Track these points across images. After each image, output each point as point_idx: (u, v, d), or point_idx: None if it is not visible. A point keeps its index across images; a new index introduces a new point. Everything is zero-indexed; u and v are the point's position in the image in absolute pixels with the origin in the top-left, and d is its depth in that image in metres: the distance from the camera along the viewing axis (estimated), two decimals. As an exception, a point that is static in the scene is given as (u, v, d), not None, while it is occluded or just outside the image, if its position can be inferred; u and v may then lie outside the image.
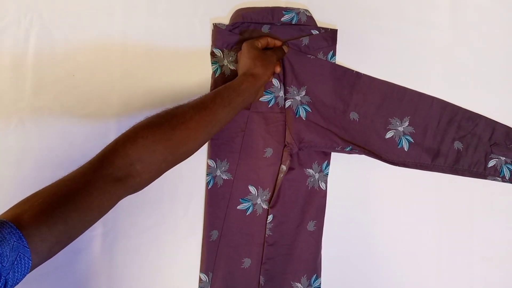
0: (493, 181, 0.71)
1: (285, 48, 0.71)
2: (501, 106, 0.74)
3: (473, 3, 0.75)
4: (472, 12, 0.75)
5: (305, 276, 0.71)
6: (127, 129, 0.52)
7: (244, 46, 0.67)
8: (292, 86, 0.71)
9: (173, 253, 0.72)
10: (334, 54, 0.73)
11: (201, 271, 0.72)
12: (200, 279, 0.72)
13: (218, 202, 0.72)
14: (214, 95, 0.59)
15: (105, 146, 0.50)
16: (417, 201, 0.73)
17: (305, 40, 0.71)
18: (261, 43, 0.68)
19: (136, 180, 0.50)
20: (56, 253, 0.43)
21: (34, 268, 0.41)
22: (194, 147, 0.56)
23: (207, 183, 0.72)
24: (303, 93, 0.71)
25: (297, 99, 0.71)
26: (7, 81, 0.73)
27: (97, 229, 0.71)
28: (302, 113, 0.71)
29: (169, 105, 0.56)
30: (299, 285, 0.71)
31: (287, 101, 0.71)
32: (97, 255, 0.71)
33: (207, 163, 0.73)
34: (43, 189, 0.45)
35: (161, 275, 0.72)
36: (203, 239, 0.72)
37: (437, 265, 0.73)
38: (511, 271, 0.73)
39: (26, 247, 0.39)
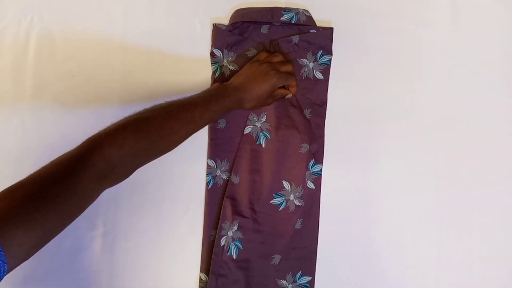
0: (493, 182, 0.71)
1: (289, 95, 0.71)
2: (501, 106, 0.74)
3: (473, 3, 0.75)
4: (472, 12, 0.75)
5: (290, 273, 0.71)
6: (114, 125, 0.51)
7: (275, 76, 0.66)
8: (252, 113, 0.72)
9: (173, 253, 0.72)
10: (327, 53, 0.72)
11: (202, 271, 0.72)
12: (200, 279, 0.72)
13: (218, 202, 0.72)
14: (194, 107, 0.58)
15: (88, 140, 0.48)
16: (416, 201, 0.73)
17: (295, 39, 0.71)
18: (280, 94, 0.69)
19: (111, 182, 0.50)
20: (34, 254, 0.42)
21: (11, 270, 0.40)
22: (165, 154, 0.57)
23: (207, 183, 0.72)
24: (263, 119, 0.71)
25: (258, 126, 0.71)
26: (8, 81, 0.73)
27: (97, 229, 0.71)
28: (263, 141, 0.71)
29: (166, 100, 0.57)
30: (284, 282, 0.71)
31: (246, 127, 0.72)
32: (98, 255, 0.71)
33: (207, 163, 0.73)
34: (19, 187, 0.42)
35: (161, 275, 0.72)
36: (203, 239, 0.72)
37: (437, 265, 0.73)
38: (511, 271, 0.73)
39: (0, 251, 0.37)
